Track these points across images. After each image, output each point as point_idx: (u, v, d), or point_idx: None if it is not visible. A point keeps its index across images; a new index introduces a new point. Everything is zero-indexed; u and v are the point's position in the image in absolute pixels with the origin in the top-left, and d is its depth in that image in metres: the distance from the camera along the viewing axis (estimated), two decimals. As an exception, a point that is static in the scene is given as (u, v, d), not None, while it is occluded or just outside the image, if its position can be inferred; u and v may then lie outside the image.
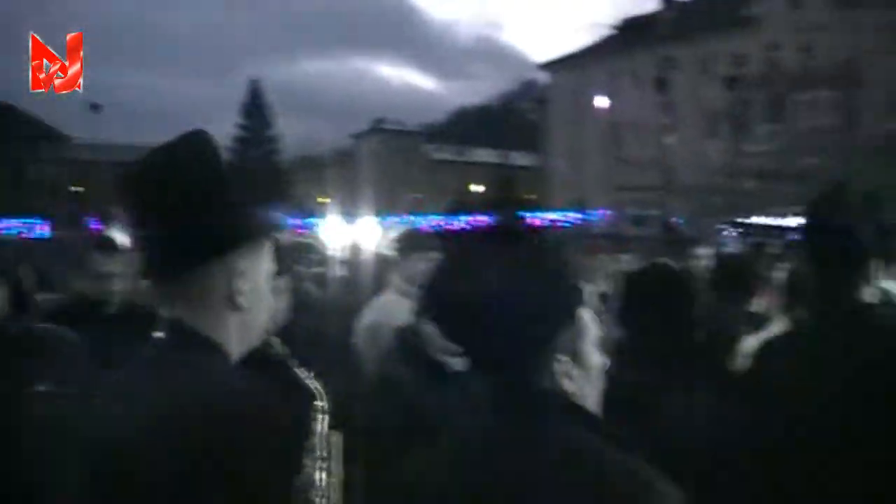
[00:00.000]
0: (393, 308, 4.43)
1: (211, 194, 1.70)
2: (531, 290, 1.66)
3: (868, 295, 2.89)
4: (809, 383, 2.74)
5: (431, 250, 4.44)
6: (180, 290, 1.73)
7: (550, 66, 63.22)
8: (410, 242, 4.90)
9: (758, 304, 4.91)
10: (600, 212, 42.36)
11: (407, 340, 3.53)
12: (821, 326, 2.95)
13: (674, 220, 28.04)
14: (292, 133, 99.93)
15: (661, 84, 37.79)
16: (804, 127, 45.88)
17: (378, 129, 76.00)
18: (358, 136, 78.24)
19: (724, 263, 5.57)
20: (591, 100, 48.84)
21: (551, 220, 43.69)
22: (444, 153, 76.02)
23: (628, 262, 11.67)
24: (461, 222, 41.35)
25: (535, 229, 2.02)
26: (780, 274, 6.63)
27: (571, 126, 56.05)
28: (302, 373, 2.13)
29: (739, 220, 21.16)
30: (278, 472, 1.61)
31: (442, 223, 28.21)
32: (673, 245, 18.24)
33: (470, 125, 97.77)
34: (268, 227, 1.84)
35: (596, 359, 1.75)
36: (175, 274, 1.72)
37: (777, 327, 4.03)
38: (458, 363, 1.81)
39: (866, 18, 44.18)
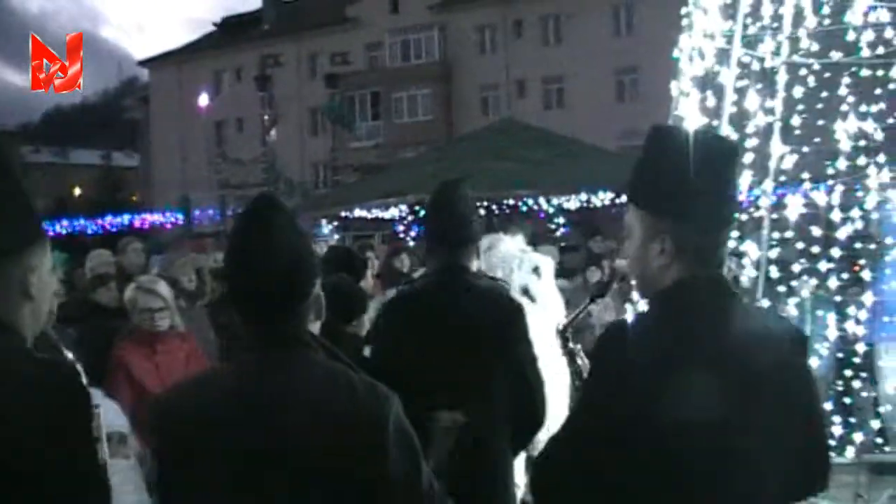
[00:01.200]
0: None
1: (8, 201, 1.94)
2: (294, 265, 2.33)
3: (472, 266, 4.07)
4: (419, 331, 3.86)
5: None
6: None
7: (151, 62, 61.46)
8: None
9: (365, 284, 6.57)
10: (204, 210, 41.43)
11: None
12: (431, 287, 4.04)
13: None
14: None
15: (264, 81, 37.41)
16: (403, 123, 47.62)
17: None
18: (-61, 138, 71.50)
19: (335, 251, 6.94)
20: (193, 97, 47.59)
21: (156, 222, 42.19)
22: (42, 155, 71.25)
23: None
24: (62, 226, 39.36)
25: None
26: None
27: (174, 124, 54.58)
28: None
29: (343, 213, 21.18)
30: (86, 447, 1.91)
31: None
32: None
33: (69, 125, 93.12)
34: (45, 228, 2.11)
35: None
36: None
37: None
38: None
39: (461, 22, 46.65)
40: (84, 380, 2.06)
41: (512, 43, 46.60)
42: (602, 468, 2.14)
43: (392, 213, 20.64)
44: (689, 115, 5.52)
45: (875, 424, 7.39)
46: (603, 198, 17.55)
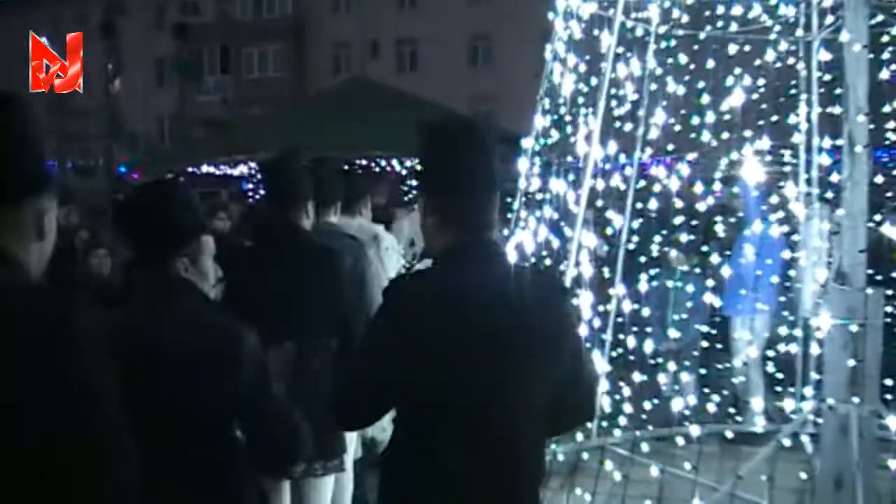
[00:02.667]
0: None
1: (24, 148, 2.09)
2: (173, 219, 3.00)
3: (305, 225, 4.59)
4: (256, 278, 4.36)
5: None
6: (2, 224, 2.05)
7: (-15, 3, 58.23)
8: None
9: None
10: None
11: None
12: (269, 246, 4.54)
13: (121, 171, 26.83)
14: None
15: (108, 29, 35.79)
16: (253, 79, 46.57)
17: None
18: None
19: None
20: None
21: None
22: None
23: (68, 214, 10.51)
24: None
25: None
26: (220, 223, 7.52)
27: (10, 69, 51.83)
28: None
29: (189, 168, 20.47)
30: (94, 359, 1.97)
31: None
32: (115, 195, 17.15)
33: None
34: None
35: (209, 266, 3.09)
36: (2, 210, 2.05)
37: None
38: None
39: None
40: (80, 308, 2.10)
41: (366, 3, 46.05)
42: (387, 395, 2.67)
43: (241, 169, 20.08)
44: (565, 80, 5.36)
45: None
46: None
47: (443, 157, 2.72)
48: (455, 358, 2.53)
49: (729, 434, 6.90)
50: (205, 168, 20.29)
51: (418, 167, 2.83)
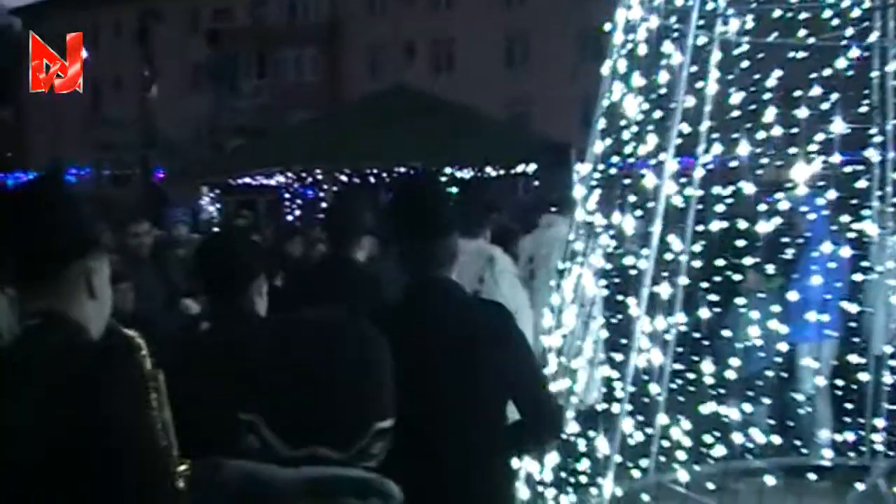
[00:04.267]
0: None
1: (69, 215, 2.32)
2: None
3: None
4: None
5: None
6: (51, 286, 2.25)
7: (25, 11, 58.52)
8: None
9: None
10: (78, 171, 39.72)
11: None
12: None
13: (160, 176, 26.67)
14: None
15: (143, 36, 35.71)
16: (288, 83, 46.41)
17: None
18: None
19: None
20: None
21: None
22: None
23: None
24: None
25: None
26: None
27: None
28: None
29: (226, 178, 20.23)
30: (142, 412, 2.25)
31: None
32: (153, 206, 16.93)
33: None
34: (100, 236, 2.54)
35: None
36: (50, 273, 2.26)
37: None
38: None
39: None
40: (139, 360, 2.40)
41: (401, 4, 45.74)
42: None
43: (277, 179, 19.81)
44: (628, 102, 4.91)
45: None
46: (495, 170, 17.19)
47: (405, 207, 3.26)
48: (414, 380, 2.46)
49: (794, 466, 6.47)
50: (241, 179, 20.03)
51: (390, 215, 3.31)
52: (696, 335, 6.21)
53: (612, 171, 5.03)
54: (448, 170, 17.73)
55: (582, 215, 5.23)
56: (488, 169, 17.47)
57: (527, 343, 3.36)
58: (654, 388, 5.84)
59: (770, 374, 6.74)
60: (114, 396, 2.12)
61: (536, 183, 16.95)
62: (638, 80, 4.83)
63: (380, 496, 1.70)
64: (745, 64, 5.84)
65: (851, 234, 6.49)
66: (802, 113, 5.84)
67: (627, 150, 5.11)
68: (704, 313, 5.96)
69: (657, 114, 5.05)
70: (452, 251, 3.14)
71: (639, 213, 5.10)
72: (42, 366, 2.14)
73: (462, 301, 3.22)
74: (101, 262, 2.38)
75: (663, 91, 5.09)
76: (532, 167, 16.36)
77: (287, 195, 19.95)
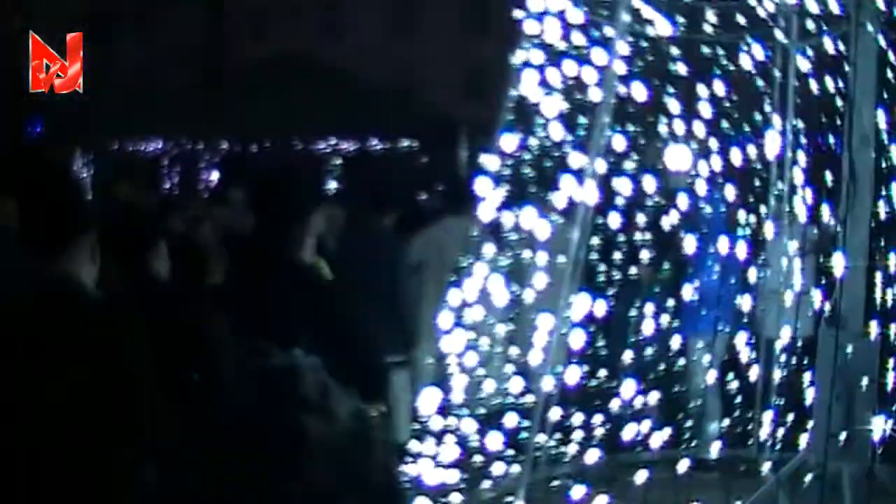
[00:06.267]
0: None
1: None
2: None
3: None
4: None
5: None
6: None
7: None
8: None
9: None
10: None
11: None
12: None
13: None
14: None
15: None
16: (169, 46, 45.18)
17: None
18: None
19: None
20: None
21: None
22: None
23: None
24: None
25: None
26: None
27: None
28: None
29: (102, 143, 19.47)
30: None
31: None
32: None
33: None
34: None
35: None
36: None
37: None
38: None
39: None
40: None
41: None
42: None
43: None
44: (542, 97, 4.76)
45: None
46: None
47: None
48: None
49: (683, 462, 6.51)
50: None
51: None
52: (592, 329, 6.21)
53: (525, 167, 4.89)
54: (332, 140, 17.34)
55: (489, 212, 5.08)
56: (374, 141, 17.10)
57: None
58: (547, 383, 5.78)
59: (662, 367, 6.78)
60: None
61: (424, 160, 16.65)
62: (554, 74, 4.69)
63: None
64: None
65: (747, 231, 6.55)
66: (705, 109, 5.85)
67: (534, 142, 4.99)
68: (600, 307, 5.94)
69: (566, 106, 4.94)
70: None
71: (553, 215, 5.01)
72: None
73: None
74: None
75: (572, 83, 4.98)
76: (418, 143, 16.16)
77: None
